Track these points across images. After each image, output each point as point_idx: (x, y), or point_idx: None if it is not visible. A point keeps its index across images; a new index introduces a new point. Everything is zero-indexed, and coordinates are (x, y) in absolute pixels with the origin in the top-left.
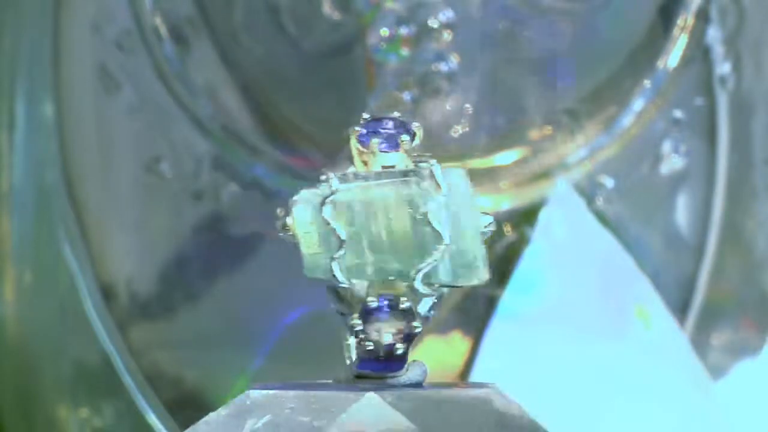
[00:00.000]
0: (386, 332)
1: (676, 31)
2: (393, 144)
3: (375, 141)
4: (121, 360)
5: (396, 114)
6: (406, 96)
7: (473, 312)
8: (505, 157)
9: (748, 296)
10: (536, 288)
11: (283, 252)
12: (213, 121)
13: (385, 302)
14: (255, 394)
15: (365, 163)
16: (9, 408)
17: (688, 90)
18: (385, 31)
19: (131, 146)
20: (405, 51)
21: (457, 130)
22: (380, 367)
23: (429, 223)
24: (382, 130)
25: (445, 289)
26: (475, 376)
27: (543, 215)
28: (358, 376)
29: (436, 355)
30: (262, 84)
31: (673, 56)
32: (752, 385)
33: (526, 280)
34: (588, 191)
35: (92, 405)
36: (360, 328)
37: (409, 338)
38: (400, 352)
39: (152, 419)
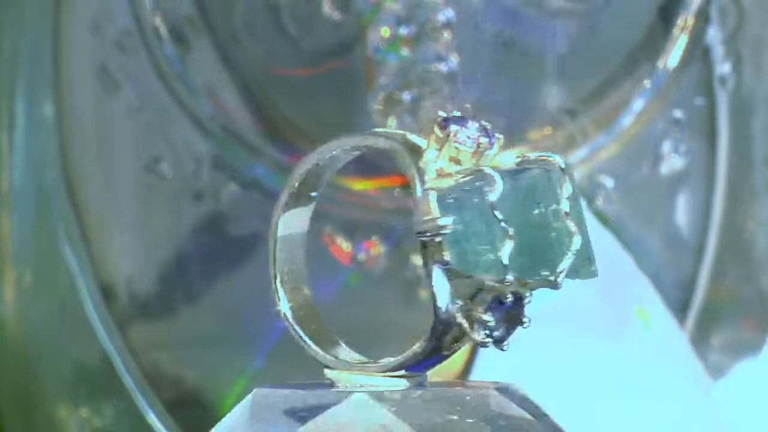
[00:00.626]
0: (506, 327)
1: (676, 31)
2: (492, 143)
3: (484, 140)
4: (121, 360)
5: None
6: (406, 96)
7: None
8: (505, 157)
9: (748, 296)
10: None
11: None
12: (213, 121)
13: (514, 299)
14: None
15: (457, 162)
16: (9, 408)
17: (688, 90)
18: (385, 31)
19: (131, 146)
20: (405, 51)
21: None
22: (427, 364)
23: (567, 218)
24: (478, 130)
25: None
26: (475, 376)
27: None
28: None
29: None
30: (262, 84)
31: (673, 56)
32: (752, 385)
33: None
34: (588, 191)
35: (92, 405)
36: (492, 324)
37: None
38: (506, 348)
39: (152, 419)
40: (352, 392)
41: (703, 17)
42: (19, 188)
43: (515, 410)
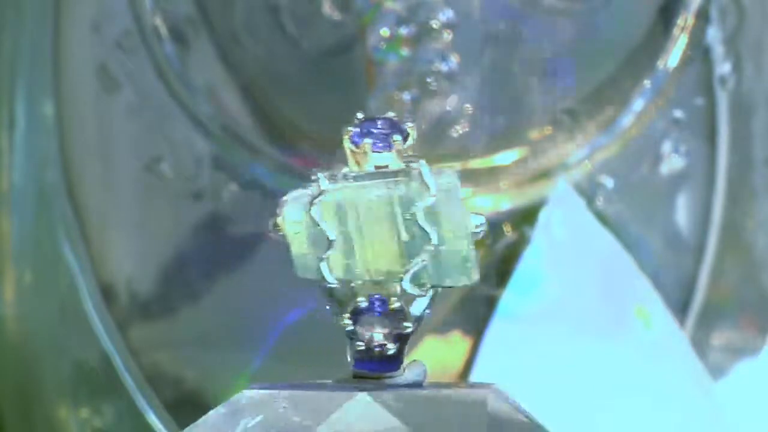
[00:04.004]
0: (377, 332)
1: (676, 31)
2: (386, 144)
3: (368, 141)
4: (121, 360)
5: (391, 114)
6: (406, 96)
7: (473, 312)
8: (505, 157)
9: (748, 296)
10: (536, 288)
11: (283, 252)
12: (213, 121)
13: (376, 302)
14: (249, 393)
15: (358, 163)
16: (9, 408)
17: (688, 90)
18: (385, 31)
19: (131, 146)
20: (405, 51)
21: (457, 130)
22: (376, 367)
23: (417, 224)
24: (375, 131)
25: (438, 290)
26: (475, 376)
27: (543, 215)
28: (357, 376)
29: (436, 355)
30: (262, 84)
31: (673, 56)
32: (752, 385)
33: (526, 280)
34: (588, 191)
35: (92, 405)
36: (351, 328)
37: (401, 338)
38: (391, 352)
39: (152, 419)
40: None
41: (703, 17)
42: (19, 188)
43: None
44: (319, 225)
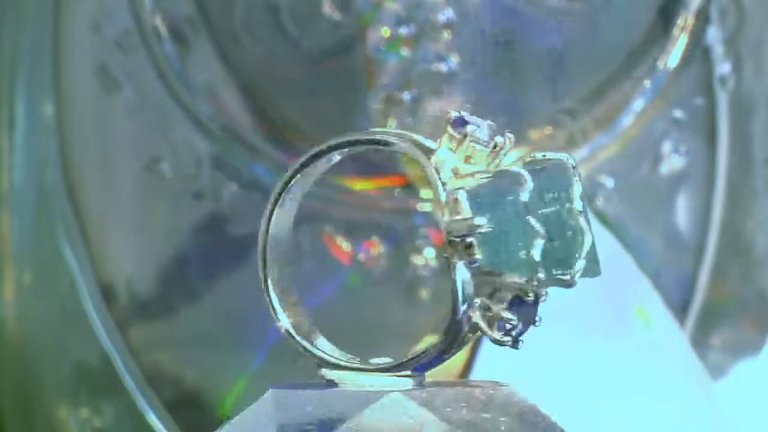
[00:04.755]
0: (519, 328)
1: (676, 31)
2: (506, 143)
3: (500, 140)
4: (121, 360)
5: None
6: (406, 96)
7: None
8: (505, 157)
9: (748, 296)
10: None
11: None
12: (213, 121)
13: (534, 298)
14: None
15: (472, 163)
16: (9, 408)
17: (688, 90)
18: (385, 31)
19: (131, 146)
20: (405, 51)
21: None
22: (425, 367)
23: (582, 216)
24: (490, 129)
25: None
26: (475, 375)
27: None
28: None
29: None
30: (262, 84)
31: (673, 56)
32: (752, 385)
33: None
34: (588, 191)
35: (92, 405)
36: (515, 322)
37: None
38: (520, 347)
39: (152, 419)
40: (386, 392)
41: (703, 17)
42: (19, 188)
43: (536, 408)
44: (531, 220)
